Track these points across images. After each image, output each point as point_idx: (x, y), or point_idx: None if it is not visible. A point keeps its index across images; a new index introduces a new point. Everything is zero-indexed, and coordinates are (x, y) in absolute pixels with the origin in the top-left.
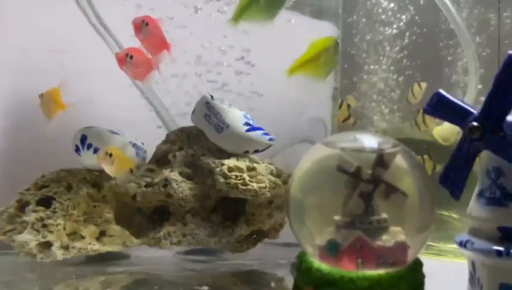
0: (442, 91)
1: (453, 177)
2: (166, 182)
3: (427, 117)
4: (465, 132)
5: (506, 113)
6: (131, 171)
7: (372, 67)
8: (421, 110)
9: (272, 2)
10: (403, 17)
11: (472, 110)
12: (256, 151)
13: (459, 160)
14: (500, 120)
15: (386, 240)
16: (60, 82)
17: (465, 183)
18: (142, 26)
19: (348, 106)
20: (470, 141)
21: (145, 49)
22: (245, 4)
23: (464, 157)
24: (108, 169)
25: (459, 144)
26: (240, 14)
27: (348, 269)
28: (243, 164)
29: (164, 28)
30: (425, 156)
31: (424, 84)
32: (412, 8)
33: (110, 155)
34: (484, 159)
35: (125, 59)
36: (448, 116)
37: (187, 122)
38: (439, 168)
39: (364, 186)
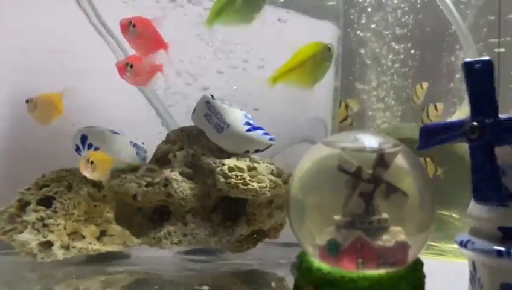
0: (426, 124)
1: (487, 186)
2: (167, 182)
3: (432, 115)
4: (468, 138)
5: (495, 104)
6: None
7: (372, 67)
8: (425, 109)
9: (249, 5)
10: (404, 17)
11: (461, 120)
12: (256, 151)
13: (480, 169)
14: (492, 111)
15: (387, 240)
16: (64, 89)
17: (500, 182)
18: (129, 27)
19: (346, 106)
20: (478, 146)
21: (134, 50)
22: (220, 7)
23: (482, 164)
24: (91, 175)
25: (470, 155)
26: (214, 17)
27: (348, 268)
28: (243, 163)
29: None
30: (428, 159)
31: (425, 84)
32: (413, 9)
33: (92, 162)
34: None
35: (126, 68)
36: (445, 138)
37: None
38: (440, 171)
39: (364, 186)
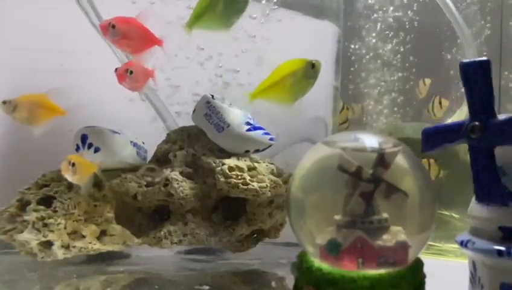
0: (427, 128)
1: (489, 187)
2: (167, 182)
3: (436, 109)
4: (468, 138)
5: (493, 104)
6: (95, 174)
7: (372, 67)
8: (432, 100)
9: (230, 10)
10: (404, 16)
11: (461, 122)
12: (256, 150)
13: (481, 169)
14: (491, 111)
15: (387, 239)
16: (49, 89)
17: (500, 182)
18: (109, 28)
19: (348, 110)
20: (478, 146)
21: (122, 50)
22: (201, 10)
23: (483, 164)
24: (72, 179)
25: (471, 156)
26: (195, 21)
27: (348, 268)
28: (243, 163)
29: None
30: (432, 160)
31: (428, 81)
32: (413, 6)
33: (73, 165)
34: None
35: (126, 75)
36: (447, 140)
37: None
38: (443, 173)
39: (365, 185)
